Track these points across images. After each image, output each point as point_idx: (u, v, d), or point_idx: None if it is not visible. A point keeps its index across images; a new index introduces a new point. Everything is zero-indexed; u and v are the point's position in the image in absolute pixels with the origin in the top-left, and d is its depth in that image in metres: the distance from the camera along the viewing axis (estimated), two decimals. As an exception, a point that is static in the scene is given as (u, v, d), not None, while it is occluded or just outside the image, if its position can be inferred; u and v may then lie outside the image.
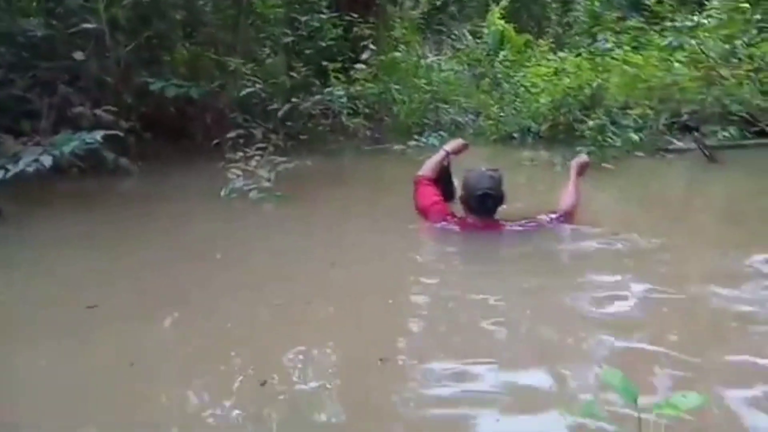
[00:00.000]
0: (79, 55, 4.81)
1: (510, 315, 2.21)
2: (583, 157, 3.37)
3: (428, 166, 3.22)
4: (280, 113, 5.09)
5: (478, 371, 1.74)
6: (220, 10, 6.36)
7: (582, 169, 3.28)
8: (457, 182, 3.28)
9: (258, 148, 4.40)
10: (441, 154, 3.27)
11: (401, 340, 2.07)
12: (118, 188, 4.43)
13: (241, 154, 4.36)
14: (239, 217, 3.74)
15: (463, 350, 1.90)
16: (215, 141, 4.98)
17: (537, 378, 1.76)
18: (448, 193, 3.23)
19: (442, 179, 3.26)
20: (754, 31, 7.26)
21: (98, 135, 3.83)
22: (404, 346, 2.00)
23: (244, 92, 5.15)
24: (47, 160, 3.54)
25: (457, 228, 3.01)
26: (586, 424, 1.51)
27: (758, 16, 7.51)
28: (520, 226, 3.02)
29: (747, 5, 7.54)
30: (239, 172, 4.04)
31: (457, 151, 3.30)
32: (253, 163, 4.22)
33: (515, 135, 6.76)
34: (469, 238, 3.01)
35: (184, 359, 1.86)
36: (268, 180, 3.99)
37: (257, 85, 5.08)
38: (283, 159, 4.22)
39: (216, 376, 1.74)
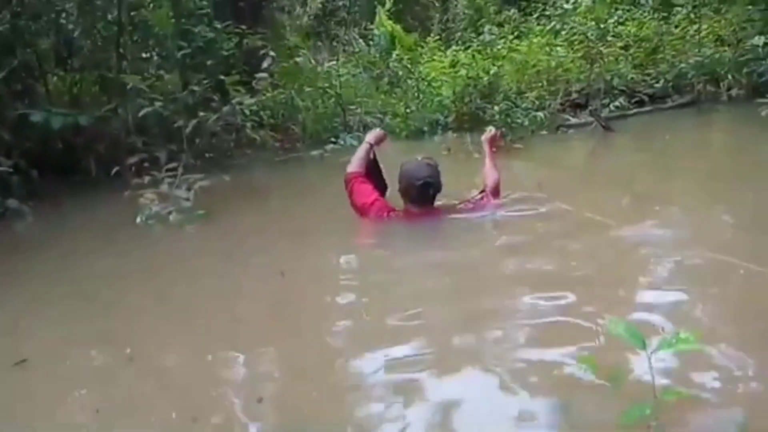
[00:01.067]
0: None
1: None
2: (492, 131, 3.46)
3: (355, 162, 3.17)
4: (187, 130, 4.73)
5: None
6: (97, 31, 5.87)
7: (493, 142, 3.39)
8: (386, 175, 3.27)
9: (168, 170, 4.05)
10: (364, 146, 3.24)
11: (345, 336, 2.04)
12: (10, 233, 3.88)
13: (149, 178, 4.00)
14: (161, 241, 3.45)
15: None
16: (115, 169, 4.53)
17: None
18: (381, 185, 3.20)
19: (373, 172, 3.22)
20: (620, 12, 7.98)
21: (-22, 175, 3.33)
22: (348, 343, 1.97)
23: (142, 113, 4.73)
24: None
25: (400, 221, 2.99)
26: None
27: (620, -1, 8.28)
28: (457, 210, 3.08)
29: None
30: (153, 196, 3.70)
31: (378, 141, 3.28)
32: (165, 185, 3.89)
33: (425, 129, 6.86)
34: (413, 226, 2.99)
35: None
36: (187, 200, 3.70)
37: (156, 104, 4.69)
38: (200, 176, 3.93)
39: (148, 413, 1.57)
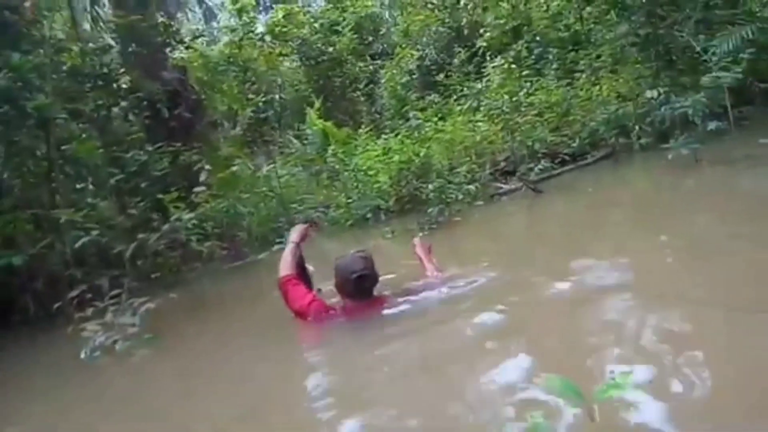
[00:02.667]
0: None
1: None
2: (419, 242, 3.56)
3: (285, 265, 3.14)
4: (128, 254, 4.68)
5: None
6: (26, 170, 5.86)
7: (425, 251, 3.48)
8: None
9: (112, 297, 3.96)
10: (290, 246, 3.22)
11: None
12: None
13: (92, 309, 3.89)
14: (107, 374, 3.29)
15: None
16: (56, 305, 4.39)
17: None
18: (307, 282, 3.19)
19: (300, 270, 3.22)
20: (528, 84, 8.71)
21: None
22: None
23: (79, 243, 4.67)
24: None
25: (342, 318, 2.95)
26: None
27: (526, 72, 9.06)
28: (400, 294, 3.07)
29: (515, 66, 9.09)
30: (96, 327, 3.58)
31: (302, 238, 3.29)
32: (109, 314, 3.78)
33: (368, 216, 7.03)
34: (356, 325, 2.95)
35: None
36: (133, 325, 3.60)
37: (93, 232, 4.65)
38: (144, 299, 3.85)
39: None
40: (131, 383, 3.04)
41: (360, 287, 2.89)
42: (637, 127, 7.44)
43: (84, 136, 5.99)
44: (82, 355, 3.40)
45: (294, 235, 3.29)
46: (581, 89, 8.74)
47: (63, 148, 5.66)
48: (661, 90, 6.67)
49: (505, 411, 1.80)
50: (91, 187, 6.15)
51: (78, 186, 6.24)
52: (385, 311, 2.97)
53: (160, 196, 5.77)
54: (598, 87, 8.51)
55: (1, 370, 3.88)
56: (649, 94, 6.79)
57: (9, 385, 3.44)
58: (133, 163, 5.71)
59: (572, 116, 8.24)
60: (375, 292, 3.01)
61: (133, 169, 5.68)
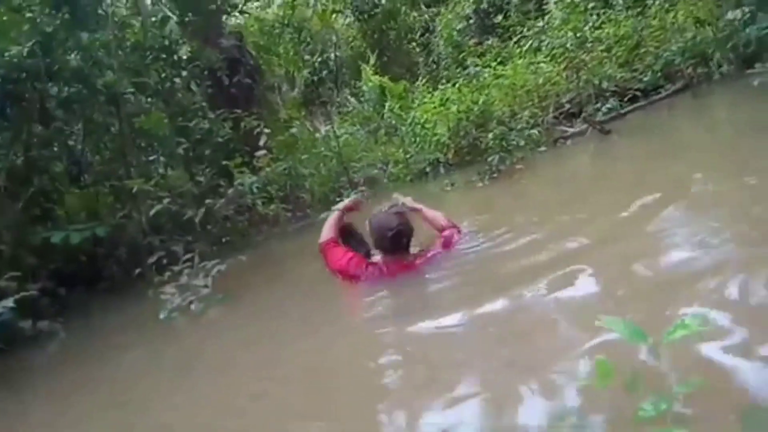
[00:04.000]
0: (-38, 231, 4.45)
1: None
2: (401, 198, 3.35)
3: (326, 231, 3.22)
4: (197, 219, 4.91)
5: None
6: (103, 145, 6.22)
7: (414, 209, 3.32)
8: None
9: (185, 261, 4.19)
10: (335, 214, 3.29)
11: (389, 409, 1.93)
12: (45, 354, 4.01)
13: (169, 273, 4.14)
14: (183, 333, 3.53)
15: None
16: (137, 271, 4.70)
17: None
18: (363, 250, 3.20)
19: (349, 238, 3.27)
20: (594, 17, 8.12)
21: (8, 303, 3.50)
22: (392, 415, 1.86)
23: (152, 212, 4.95)
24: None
25: (383, 275, 2.93)
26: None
27: (592, 5, 8.44)
28: (427, 258, 3.02)
29: (579, -1, 8.49)
30: (173, 290, 3.82)
31: (350, 208, 3.37)
32: (184, 277, 4.01)
33: (427, 170, 6.95)
34: (394, 288, 2.92)
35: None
36: (206, 286, 3.80)
37: (164, 201, 4.91)
38: (215, 261, 4.04)
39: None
40: (203, 340, 3.25)
41: (397, 243, 2.90)
42: (717, 54, 6.79)
43: (151, 108, 6.23)
44: (161, 316, 3.65)
45: (342, 204, 3.39)
46: (654, 17, 8.03)
47: (133, 121, 5.93)
48: (746, 9, 5.99)
49: (574, 357, 1.76)
50: (161, 158, 6.45)
51: (150, 158, 6.58)
52: (427, 267, 2.96)
53: (225, 162, 5.97)
54: (672, 13, 7.78)
55: (92, 331, 4.25)
56: (731, 15, 6.13)
57: (99, 344, 3.77)
58: (198, 132, 5.90)
59: (644, 48, 7.62)
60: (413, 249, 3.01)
61: (197, 138, 5.88)
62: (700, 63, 7.02)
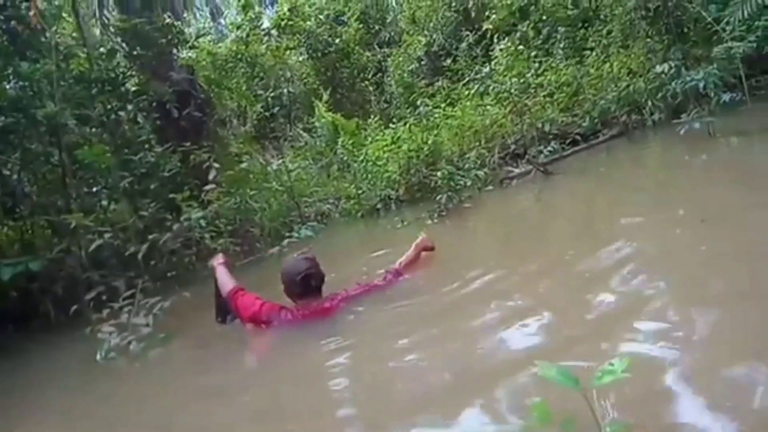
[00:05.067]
0: None
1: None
2: (426, 241, 3.67)
3: (224, 282, 3.32)
4: (140, 255, 4.75)
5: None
6: (41, 176, 5.98)
7: (423, 248, 3.61)
8: None
9: (125, 298, 4.03)
10: (219, 268, 3.44)
11: None
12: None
13: (107, 310, 3.97)
14: (121, 376, 3.36)
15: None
16: (73, 308, 4.48)
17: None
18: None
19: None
20: (536, 65, 8.57)
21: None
22: None
23: (92, 247, 4.76)
24: None
25: (295, 319, 2.98)
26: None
27: (534, 53, 8.92)
28: (340, 299, 3.10)
29: (522, 47, 8.95)
30: (111, 329, 3.66)
31: (225, 262, 3.50)
32: (125, 314, 3.86)
33: (378, 207, 7.03)
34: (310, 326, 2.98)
35: None
36: (147, 325, 3.67)
37: (106, 235, 4.74)
38: (158, 298, 3.92)
39: None
40: (143, 384, 3.11)
41: (307, 286, 2.98)
42: (649, 103, 7.29)
43: (94, 140, 6.06)
44: (98, 357, 3.48)
45: (215, 259, 3.55)
46: (591, 67, 8.55)
47: (75, 153, 5.75)
48: (673, 64, 6.50)
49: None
50: (104, 190, 6.25)
51: (92, 190, 6.35)
52: (338, 309, 3.03)
53: (172, 195, 5.84)
54: (608, 64, 8.31)
55: (20, 375, 3.99)
56: (659, 68, 6.63)
57: (27, 391, 3.54)
58: (143, 165, 5.78)
59: (582, 95, 8.08)
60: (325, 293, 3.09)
61: (142, 171, 5.75)
62: (634, 110, 7.50)
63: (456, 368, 2.17)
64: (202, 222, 5.67)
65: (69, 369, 3.72)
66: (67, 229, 5.25)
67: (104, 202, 6.30)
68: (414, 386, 2.13)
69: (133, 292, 4.10)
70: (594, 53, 8.80)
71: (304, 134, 10.52)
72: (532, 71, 8.36)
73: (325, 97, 10.99)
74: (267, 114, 9.86)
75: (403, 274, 3.38)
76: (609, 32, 8.85)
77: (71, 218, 4.81)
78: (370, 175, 7.48)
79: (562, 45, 9.36)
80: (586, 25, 9.58)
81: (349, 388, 2.31)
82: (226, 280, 3.30)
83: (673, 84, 6.23)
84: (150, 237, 4.92)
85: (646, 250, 2.96)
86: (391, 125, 8.94)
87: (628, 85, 7.50)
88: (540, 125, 7.48)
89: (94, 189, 6.29)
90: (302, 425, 2.13)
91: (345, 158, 8.24)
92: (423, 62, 11.97)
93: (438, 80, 10.63)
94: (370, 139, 8.85)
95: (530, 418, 1.63)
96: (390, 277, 3.31)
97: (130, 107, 6.41)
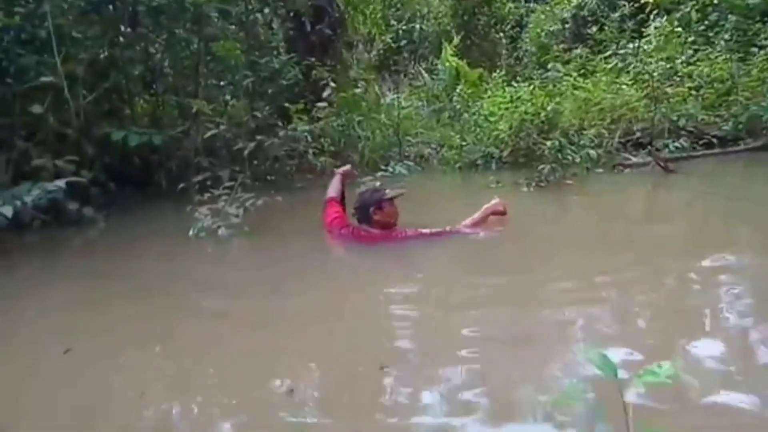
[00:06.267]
0: (36, 109, 4.73)
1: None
2: (498, 205, 3.78)
3: (331, 190, 3.94)
4: (245, 152, 5.09)
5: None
6: (179, 59, 6.45)
7: (494, 214, 3.73)
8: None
9: (225, 188, 4.37)
10: (336, 177, 4.06)
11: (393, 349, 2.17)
12: (83, 237, 4.32)
13: (208, 195, 4.34)
14: (206, 254, 3.72)
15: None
16: (181, 185, 4.94)
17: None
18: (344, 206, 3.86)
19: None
20: (690, 52, 7.75)
21: (61, 183, 3.77)
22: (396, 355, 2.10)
23: (207, 135, 5.15)
24: (8, 211, 3.44)
25: (347, 234, 3.51)
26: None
27: (692, 38, 8.04)
28: (392, 235, 3.43)
29: (681, 29, 8.09)
30: (207, 212, 4.01)
31: (347, 174, 4.09)
32: (221, 202, 4.20)
33: (478, 162, 6.91)
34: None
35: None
36: (236, 216, 3.98)
37: (221, 127, 5.10)
38: (251, 195, 4.21)
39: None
40: (219, 265, 3.48)
41: (370, 219, 3.44)
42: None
43: (230, 36, 6.40)
44: (190, 233, 3.88)
45: (340, 169, 4.16)
46: (756, 67, 7.59)
47: (211, 44, 6.13)
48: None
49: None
50: (229, 86, 6.65)
51: (218, 83, 6.79)
52: (394, 242, 3.38)
53: (286, 105, 6.11)
54: (776, 69, 7.34)
55: (128, 229, 4.54)
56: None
57: (130, 243, 4.04)
58: (267, 69, 6.05)
59: (734, 96, 7.24)
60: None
61: (265, 75, 6.02)
62: (790, 125, 6.63)
63: (514, 332, 2.20)
64: (308, 136, 5.93)
65: (166, 235, 4.19)
66: (190, 113, 5.70)
67: (227, 97, 6.73)
68: (473, 336, 2.17)
69: (233, 184, 4.43)
70: (763, 52, 7.77)
71: (425, 74, 10.38)
72: (684, 58, 7.58)
73: (456, 41, 10.71)
74: (394, 46, 9.81)
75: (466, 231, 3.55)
76: (791, 32, 7.75)
77: (195, 103, 5.20)
78: (478, 129, 7.31)
79: (727, 36, 8.32)
80: (765, 19, 8.42)
81: (408, 317, 2.44)
82: (330, 189, 3.89)
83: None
84: (258, 138, 5.20)
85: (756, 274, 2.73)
86: (514, 83, 8.59)
87: (792, 97, 6.61)
88: (675, 118, 6.85)
89: (221, 83, 6.71)
90: (355, 324, 2.42)
91: (458, 107, 8.09)
92: (567, 25, 11.21)
93: (577, 47, 9.94)
94: (489, 93, 8.59)
95: (561, 395, 1.63)
96: (450, 229, 3.52)
97: (267, 11, 6.64)
